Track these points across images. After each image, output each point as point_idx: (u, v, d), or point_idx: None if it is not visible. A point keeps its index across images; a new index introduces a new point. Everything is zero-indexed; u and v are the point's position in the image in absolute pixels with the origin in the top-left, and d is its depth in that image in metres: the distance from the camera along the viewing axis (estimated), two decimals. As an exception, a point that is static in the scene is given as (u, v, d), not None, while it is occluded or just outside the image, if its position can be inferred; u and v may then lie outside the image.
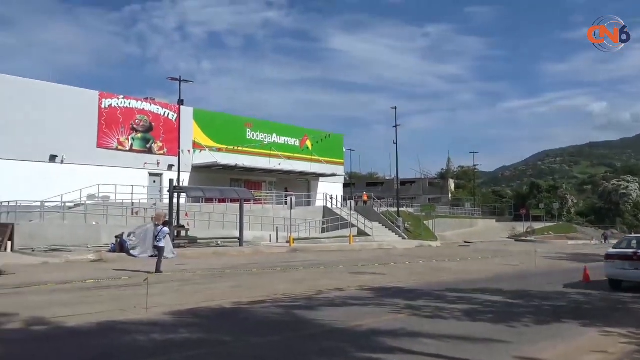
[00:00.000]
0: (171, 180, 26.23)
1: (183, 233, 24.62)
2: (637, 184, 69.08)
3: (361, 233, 33.27)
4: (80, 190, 27.08)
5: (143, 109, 34.05)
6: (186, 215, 27.27)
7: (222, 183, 35.05)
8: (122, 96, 33.32)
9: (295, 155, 42.38)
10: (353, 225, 33.23)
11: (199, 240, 24.76)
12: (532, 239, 44.42)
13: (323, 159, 44.07)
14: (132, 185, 28.18)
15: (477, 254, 26.88)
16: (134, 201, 27.82)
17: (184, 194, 27.89)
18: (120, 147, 32.47)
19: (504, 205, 69.36)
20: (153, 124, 34.31)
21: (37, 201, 23.79)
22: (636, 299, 11.74)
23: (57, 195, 25.21)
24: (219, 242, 25.59)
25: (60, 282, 12.58)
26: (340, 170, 47.18)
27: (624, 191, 67.28)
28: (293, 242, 26.98)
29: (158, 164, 33.96)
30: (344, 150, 50.32)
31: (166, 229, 16.37)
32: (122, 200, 27.59)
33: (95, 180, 28.27)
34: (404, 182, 63.95)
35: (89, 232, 23.43)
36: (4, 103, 27.63)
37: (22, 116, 28.06)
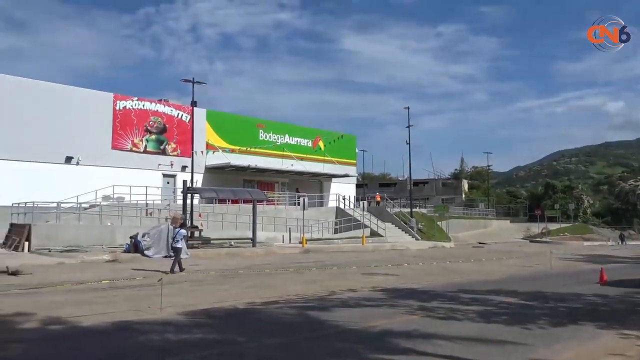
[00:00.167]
0: (185, 182, 26.42)
1: (197, 234, 24.78)
2: (654, 184, 67.97)
3: (374, 234, 33.18)
4: (96, 191, 27.40)
5: (157, 110, 34.34)
6: (199, 216, 27.44)
7: (235, 184, 35.22)
8: (136, 98, 33.64)
9: (308, 156, 42.42)
10: (366, 226, 33.16)
11: (212, 241, 24.91)
12: (547, 240, 43.93)
13: (335, 159, 44.05)
14: (146, 187, 28.43)
15: (491, 254, 26.65)
16: (148, 202, 28.06)
17: (198, 195, 28.06)
18: (134, 149, 32.78)
19: (518, 205, 68.68)
20: (167, 125, 34.59)
21: (53, 202, 24.10)
22: (654, 301, 11.54)
23: (72, 197, 25.53)
24: (232, 243, 25.71)
25: (76, 282, 12.73)
26: (352, 170, 47.12)
27: (642, 191, 66.21)
28: (306, 243, 27.00)
29: (172, 165, 34.23)
30: (357, 150, 50.27)
31: (183, 231, 16.57)
32: (137, 201, 27.85)
33: (110, 181, 28.57)
34: (417, 183, 63.62)
35: (104, 233, 23.68)
36: (21, 106, 28.06)
37: (39, 118, 28.48)
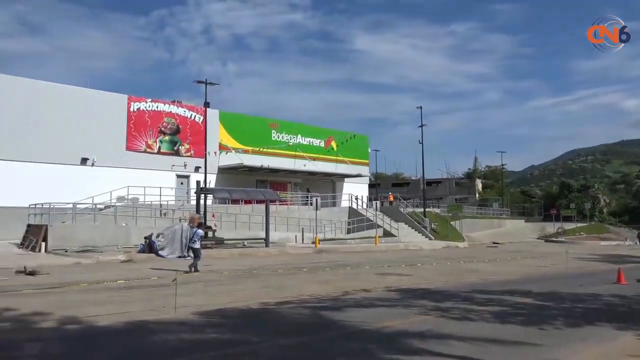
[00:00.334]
0: (198, 182, 26.58)
1: (210, 234, 24.90)
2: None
3: (387, 234, 33.08)
4: (110, 192, 27.69)
5: (170, 111, 34.61)
6: (213, 216, 27.59)
7: (248, 184, 35.36)
8: (150, 100, 33.94)
9: (320, 156, 42.44)
10: (379, 226, 33.06)
11: (225, 241, 25.02)
12: (563, 240, 43.42)
13: (348, 159, 44.02)
14: (160, 187, 28.66)
15: (505, 254, 26.42)
16: (162, 203, 28.29)
17: (211, 196, 28.21)
18: (148, 150, 33.07)
19: (533, 205, 68.02)
20: (180, 126, 34.83)
21: (69, 203, 24.40)
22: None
23: (88, 197, 25.83)
24: (245, 243, 25.81)
25: (91, 282, 12.87)
26: (365, 170, 47.04)
27: (660, 190, 65.19)
28: (319, 243, 27.01)
29: (185, 165, 34.47)
30: (369, 150, 50.19)
31: (200, 231, 16.73)
32: (151, 201, 28.08)
33: (125, 182, 28.85)
34: (430, 182, 63.35)
35: (119, 233, 23.91)
36: (38, 108, 28.47)
37: (55, 120, 28.88)
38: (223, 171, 36.04)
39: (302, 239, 28.92)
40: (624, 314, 9.87)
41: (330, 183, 43.72)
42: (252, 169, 36.44)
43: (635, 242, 44.48)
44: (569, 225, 50.56)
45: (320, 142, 43.32)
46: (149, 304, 9.78)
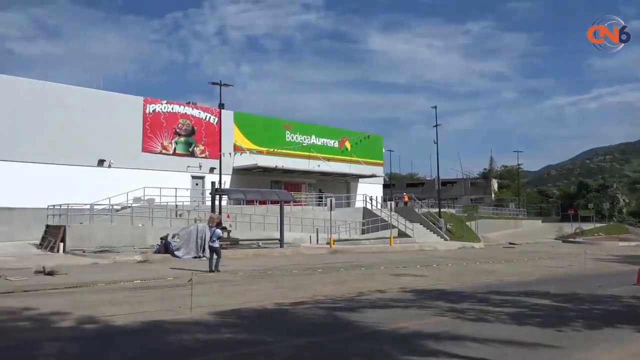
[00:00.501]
0: (213, 183, 26.74)
1: (225, 234, 25.03)
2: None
3: (402, 234, 32.94)
4: (127, 193, 27.99)
5: (185, 113, 34.88)
6: (228, 217, 27.73)
7: (262, 185, 35.49)
8: (165, 101, 34.25)
9: (335, 156, 42.42)
10: (393, 227, 32.93)
11: (240, 242, 25.13)
12: (581, 240, 42.79)
13: (362, 160, 43.93)
14: (176, 188, 28.90)
15: (522, 255, 26.13)
16: (177, 203, 28.52)
17: (226, 196, 28.36)
18: (164, 151, 33.37)
19: (550, 205, 67.14)
20: (195, 127, 35.09)
21: (86, 204, 24.71)
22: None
23: (105, 198, 26.14)
24: (260, 244, 25.89)
25: (108, 282, 13.02)
26: (379, 171, 46.91)
27: (681, 190, 63.88)
28: (333, 244, 27.00)
29: (200, 167, 34.71)
30: (383, 151, 50.03)
31: (219, 231, 16.94)
32: (166, 202, 28.33)
33: (141, 183, 29.14)
34: (445, 183, 62.89)
35: (135, 234, 24.15)
36: (56, 111, 28.90)
37: (73, 123, 29.28)
38: (238, 172, 36.21)
39: (317, 240, 28.93)
40: (644, 316, 9.69)
41: (345, 183, 43.67)
42: (266, 170, 36.55)
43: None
44: (587, 226, 49.80)
45: (334, 143, 43.31)
46: (165, 304, 9.86)
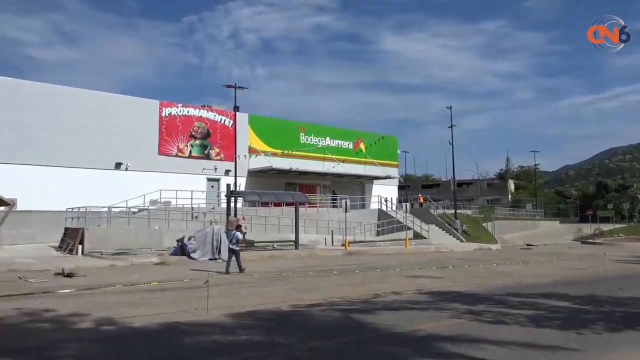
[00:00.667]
0: (228, 185, 26.89)
1: (240, 236, 25.14)
2: None
3: (417, 236, 32.77)
4: (144, 195, 28.28)
5: (200, 116, 35.16)
6: (243, 219, 27.84)
7: (277, 187, 35.58)
8: (180, 104, 34.56)
9: (349, 158, 42.37)
10: (409, 228, 32.78)
11: (255, 244, 25.24)
12: (600, 242, 42.08)
13: (377, 161, 43.80)
14: (192, 191, 29.12)
15: (540, 257, 25.79)
16: (193, 206, 28.74)
17: (241, 198, 28.50)
18: (179, 154, 33.66)
19: (568, 206, 66.22)
20: (210, 130, 35.34)
21: (104, 207, 25.04)
22: None
23: (122, 201, 26.45)
24: (275, 246, 25.96)
25: (126, 283, 13.16)
26: (394, 172, 46.72)
27: None
28: (348, 245, 26.96)
29: (215, 169, 34.93)
30: (398, 152, 49.80)
31: (238, 233, 17.13)
32: (182, 205, 28.57)
33: (157, 186, 29.44)
34: (460, 184, 62.43)
35: (152, 236, 24.40)
36: (74, 115, 29.33)
37: (90, 127, 29.69)
38: (253, 174, 36.37)
39: (332, 242, 28.92)
40: (667, 319, 9.50)
41: (359, 185, 43.59)
42: (281, 172, 36.65)
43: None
44: (606, 227, 48.98)
45: (348, 144, 43.27)
46: (181, 305, 9.93)
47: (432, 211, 38.69)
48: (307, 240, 28.01)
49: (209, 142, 35.22)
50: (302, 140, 40.20)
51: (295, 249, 25.15)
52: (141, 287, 12.61)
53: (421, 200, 44.58)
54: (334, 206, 35.56)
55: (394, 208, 38.92)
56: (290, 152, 38.42)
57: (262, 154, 36.97)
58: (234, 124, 32.29)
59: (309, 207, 32.73)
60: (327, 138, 41.89)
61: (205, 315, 8.81)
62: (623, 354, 6.85)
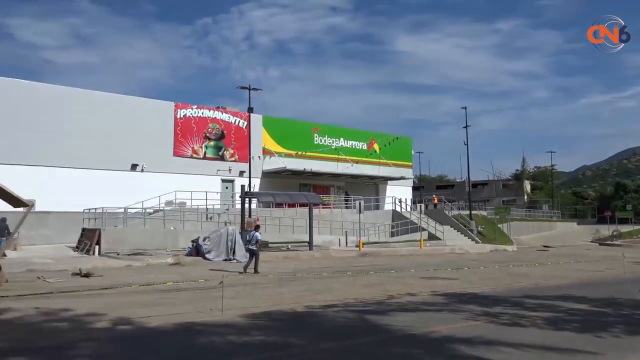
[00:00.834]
0: (242, 186, 26.99)
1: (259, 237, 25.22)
2: None
3: (432, 237, 32.56)
4: (159, 197, 28.51)
5: (215, 117, 35.36)
6: (257, 219, 27.92)
7: (291, 188, 35.62)
8: (195, 106, 34.79)
9: (363, 159, 42.27)
10: (423, 229, 32.58)
11: (269, 245, 25.28)
12: (619, 243, 41.43)
13: (391, 162, 43.62)
14: (206, 192, 29.28)
15: (557, 258, 25.45)
16: (208, 207, 28.89)
17: (255, 199, 28.59)
18: (194, 155, 33.89)
19: (585, 207, 65.33)
20: (224, 132, 35.52)
21: (120, 208, 25.29)
22: None
23: (138, 202, 26.70)
24: (289, 246, 25.99)
25: (142, 284, 13.27)
26: (409, 173, 46.48)
27: None
28: (362, 246, 26.87)
29: (230, 170, 35.09)
30: (412, 152, 49.56)
31: (257, 234, 17.26)
32: (197, 205, 28.73)
33: (172, 187, 29.65)
34: (475, 184, 61.89)
35: (167, 237, 24.59)
36: (91, 117, 29.70)
37: (107, 128, 30.03)
38: (267, 175, 36.47)
39: (346, 242, 28.85)
40: (688, 322, 9.30)
41: (373, 186, 43.46)
42: (295, 173, 36.69)
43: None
44: (625, 228, 48.19)
45: (362, 145, 43.17)
46: (196, 305, 9.98)
47: (446, 212, 38.42)
48: (321, 241, 27.99)
49: (224, 144, 35.40)
50: (316, 141, 40.20)
51: (309, 249, 25.14)
52: (157, 288, 12.70)
53: (436, 201, 44.29)
54: (347, 207, 35.49)
55: (409, 209, 38.71)
56: (304, 153, 38.44)
57: (276, 155, 37.05)
58: (248, 126, 32.41)
59: (322, 208, 32.71)
60: (341, 139, 41.84)
61: (220, 316, 8.85)
62: (643, 357, 6.72)
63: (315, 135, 40.41)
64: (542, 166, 75.80)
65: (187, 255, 21.37)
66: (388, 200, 39.47)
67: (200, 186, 30.43)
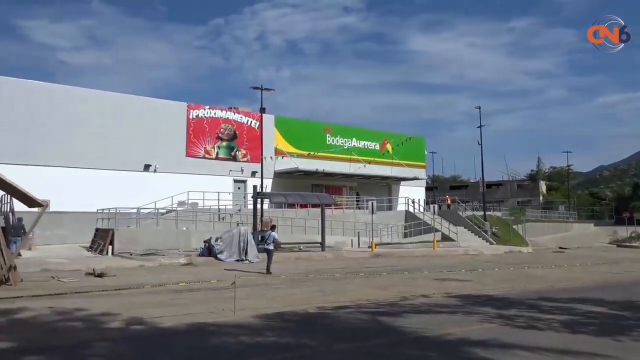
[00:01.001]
0: (255, 187, 27.03)
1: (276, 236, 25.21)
2: None
3: (445, 238, 32.30)
4: (172, 197, 28.68)
5: (227, 118, 35.48)
6: (270, 220, 27.95)
7: (303, 188, 35.59)
8: (207, 106, 34.95)
9: (376, 159, 42.11)
10: (437, 230, 32.35)
11: (282, 245, 25.26)
12: (637, 245, 40.77)
13: (404, 162, 43.40)
14: (219, 192, 29.39)
15: (573, 260, 25.09)
16: (220, 207, 28.99)
17: (267, 200, 28.62)
18: (206, 156, 34.03)
19: (602, 208, 64.47)
20: (237, 132, 35.63)
21: (133, 208, 25.47)
22: None
23: (150, 202, 26.88)
24: (302, 247, 25.96)
25: (155, 284, 13.32)
26: (422, 173, 46.21)
27: None
28: (375, 247, 26.75)
29: (242, 170, 35.19)
30: (426, 152, 49.28)
31: (274, 234, 17.28)
32: (209, 206, 28.85)
33: (185, 187, 29.81)
34: (490, 185, 61.30)
35: (180, 237, 24.70)
36: (104, 118, 30.00)
37: (120, 129, 30.31)
38: (279, 175, 36.50)
39: (358, 243, 28.75)
40: None
41: (386, 186, 43.28)
42: (307, 173, 36.66)
43: None
44: (643, 229, 47.44)
45: (375, 145, 43.01)
46: (209, 306, 9.97)
47: (460, 213, 38.12)
48: (334, 241, 27.92)
49: (236, 144, 35.50)
50: (328, 141, 40.14)
51: (322, 250, 25.08)
52: (169, 288, 12.74)
53: (449, 201, 43.99)
54: (360, 208, 35.37)
55: (422, 210, 38.50)
56: (316, 153, 38.41)
57: (288, 156, 37.06)
58: (260, 126, 32.48)
59: (335, 208, 32.64)
60: (354, 139, 41.73)
61: (233, 316, 8.82)
62: (665, 362, 6.55)
63: (328, 135, 40.35)
64: (558, 166, 75.05)
65: (199, 255, 21.44)
66: (401, 200, 39.29)
67: (213, 187, 30.56)
